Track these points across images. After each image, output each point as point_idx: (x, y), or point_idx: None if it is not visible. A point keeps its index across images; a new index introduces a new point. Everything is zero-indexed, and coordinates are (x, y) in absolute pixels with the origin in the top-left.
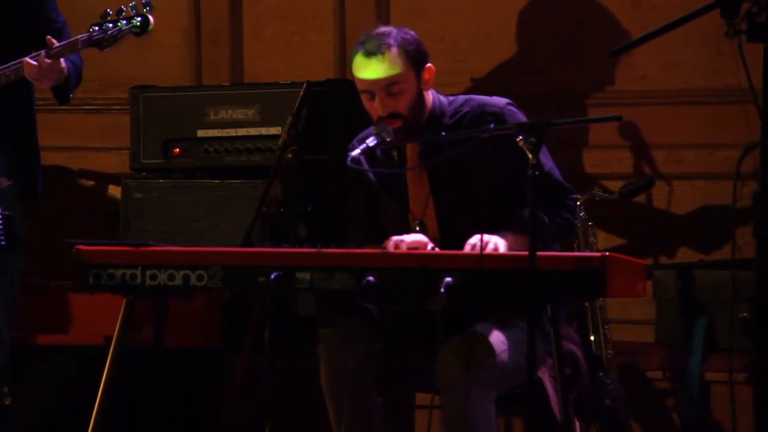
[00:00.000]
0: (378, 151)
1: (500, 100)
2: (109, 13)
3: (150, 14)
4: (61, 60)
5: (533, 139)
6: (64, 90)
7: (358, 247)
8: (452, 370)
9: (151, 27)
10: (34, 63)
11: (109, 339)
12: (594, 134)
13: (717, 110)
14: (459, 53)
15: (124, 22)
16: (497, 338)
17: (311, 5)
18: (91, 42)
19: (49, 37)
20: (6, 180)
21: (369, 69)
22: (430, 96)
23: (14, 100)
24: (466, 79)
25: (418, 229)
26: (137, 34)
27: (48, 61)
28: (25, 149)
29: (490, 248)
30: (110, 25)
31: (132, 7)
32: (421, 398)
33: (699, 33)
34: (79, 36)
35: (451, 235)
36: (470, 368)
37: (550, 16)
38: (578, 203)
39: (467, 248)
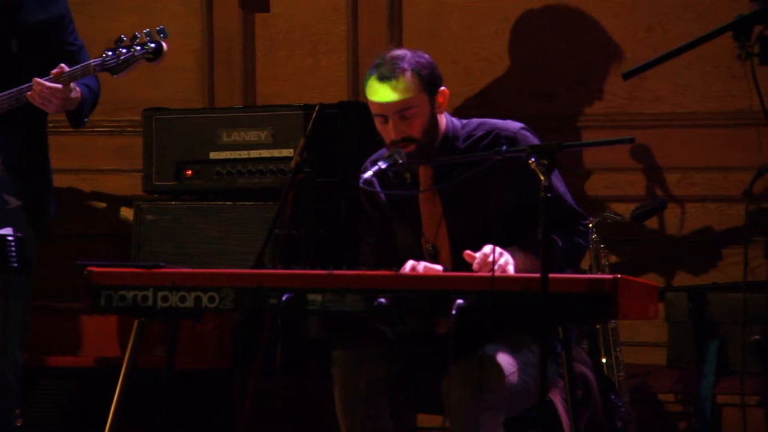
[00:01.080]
0: (390, 174)
1: (514, 124)
2: (123, 38)
3: (164, 41)
4: (73, 85)
5: (545, 162)
6: (77, 114)
7: (370, 269)
8: (460, 392)
9: (164, 53)
10: (38, 87)
11: (111, 361)
12: (606, 157)
13: (730, 133)
14: (471, 76)
15: (138, 48)
16: (506, 361)
17: (324, 28)
18: (104, 67)
19: (62, 65)
20: (16, 200)
21: (383, 93)
22: (443, 119)
23: (28, 122)
24: (478, 102)
25: (430, 249)
26: (150, 60)
27: (50, 85)
28: (36, 172)
29: (500, 262)
30: (124, 50)
31: (146, 34)
32: (432, 420)
33: (711, 56)
34: (92, 60)
35: (463, 258)
36: (479, 391)
37: (563, 40)
38: (590, 225)
39: (479, 257)
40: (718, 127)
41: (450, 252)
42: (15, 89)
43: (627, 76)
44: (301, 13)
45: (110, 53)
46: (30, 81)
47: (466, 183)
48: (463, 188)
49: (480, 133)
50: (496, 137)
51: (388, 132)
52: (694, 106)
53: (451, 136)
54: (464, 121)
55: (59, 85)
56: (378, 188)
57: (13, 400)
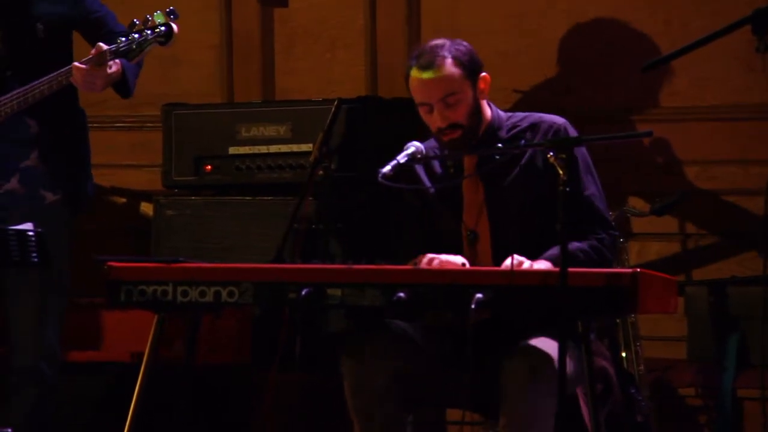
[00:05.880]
0: (435, 163)
1: (559, 119)
2: (135, 23)
3: (174, 23)
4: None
5: (563, 156)
6: (124, 84)
7: (409, 258)
8: (517, 383)
9: (174, 37)
10: (78, 72)
11: (138, 356)
12: (626, 150)
13: (749, 126)
14: (490, 71)
15: (149, 32)
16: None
17: (342, 23)
18: (118, 53)
19: (100, 44)
20: (52, 195)
21: (425, 82)
22: (488, 108)
23: (63, 112)
24: (497, 97)
25: (470, 235)
26: (162, 44)
27: (85, 67)
28: (74, 164)
29: (525, 267)
30: (136, 35)
31: (157, 16)
32: (451, 414)
33: (730, 49)
34: (107, 47)
35: (502, 246)
36: (535, 380)
37: (582, 35)
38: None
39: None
40: (737, 120)
41: (490, 239)
42: (53, 74)
43: (646, 68)
44: (318, 7)
45: (123, 39)
46: (55, 64)
47: (508, 171)
48: (505, 177)
49: (525, 124)
50: (541, 129)
51: (434, 120)
52: (712, 99)
53: (495, 126)
54: (510, 114)
55: (88, 66)
56: (423, 176)
57: (50, 396)
